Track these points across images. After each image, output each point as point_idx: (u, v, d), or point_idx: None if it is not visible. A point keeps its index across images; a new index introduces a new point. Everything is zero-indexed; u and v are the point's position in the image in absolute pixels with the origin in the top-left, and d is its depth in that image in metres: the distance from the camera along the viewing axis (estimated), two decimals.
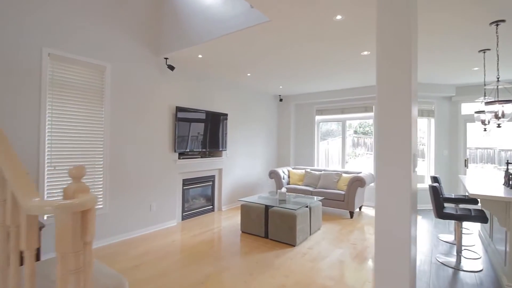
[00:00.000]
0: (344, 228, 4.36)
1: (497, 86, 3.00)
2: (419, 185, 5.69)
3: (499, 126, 2.92)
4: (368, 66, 4.35)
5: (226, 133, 5.40)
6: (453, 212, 2.99)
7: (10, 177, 1.09)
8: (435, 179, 4.04)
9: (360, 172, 5.36)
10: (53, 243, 2.95)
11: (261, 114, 6.59)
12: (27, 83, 2.84)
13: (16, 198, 1.05)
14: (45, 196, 2.94)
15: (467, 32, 2.99)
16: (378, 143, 1.89)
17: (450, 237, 3.87)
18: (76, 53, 3.21)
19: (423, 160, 5.92)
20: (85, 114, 3.32)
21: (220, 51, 3.75)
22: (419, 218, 4.98)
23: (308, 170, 5.96)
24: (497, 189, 2.72)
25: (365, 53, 3.69)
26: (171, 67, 4.19)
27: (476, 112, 3.77)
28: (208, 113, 4.97)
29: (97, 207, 3.42)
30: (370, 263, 3.07)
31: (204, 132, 4.91)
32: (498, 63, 3.09)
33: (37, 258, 2.04)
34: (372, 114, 6.07)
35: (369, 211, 5.51)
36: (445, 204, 4.09)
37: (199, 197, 5.08)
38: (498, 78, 2.99)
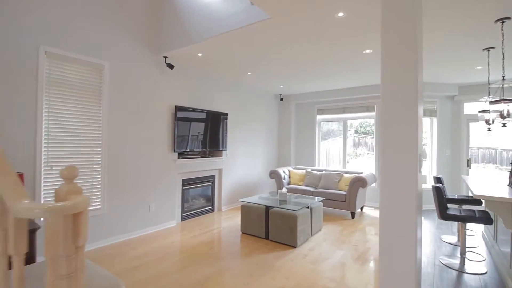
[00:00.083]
0: (345, 229, 4.31)
1: (503, 85, 2.94)
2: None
3: (504, 125, 2.87)
4: (370, 65, 4.30)
5: (226, 133, 5.35)
6: (457, 213, 2.95)
7: None
8: (438, 179, 3.98)
9: (362, 172, 5.31)
10: None
11: (261, 114, 6.54)
12: (23, 82, 2.80)
13: (4, 200, 1.00)
14: (42, 197, 2.89)
15: (471, 30, 2.93)
16: (383, 142, 1.85)
17: (453, 239, 3.82)
18: (73, 51, 3.16)
19: (425, 160, 5.87)
20: (82, 113, 3.27)
21: (220, 49, 3.70)
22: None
23: (309, 170, 5.91)
24: (502, 190, 2.67)
25: (367, 51, 3.64)
26: (171, 66, 4.14)
27: (480, 112, 3.71)
28: (208, 113, 4.92)
29: (95, 207, 3.37)
30: (372, 265, 3.02)
31: (204, 132, 4.86)
32: (503, 62, 3.04)
33: (33, 260, 1.99)
34: (373, 113, 6.01)
35: (370, 211, 5.45)
36: (448, 205, 4.04)
37: (199, 197, 5.03)
38: (503, 76, 2.94)
